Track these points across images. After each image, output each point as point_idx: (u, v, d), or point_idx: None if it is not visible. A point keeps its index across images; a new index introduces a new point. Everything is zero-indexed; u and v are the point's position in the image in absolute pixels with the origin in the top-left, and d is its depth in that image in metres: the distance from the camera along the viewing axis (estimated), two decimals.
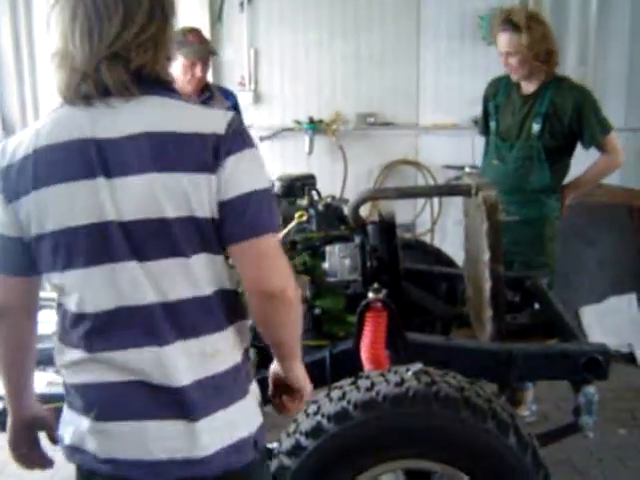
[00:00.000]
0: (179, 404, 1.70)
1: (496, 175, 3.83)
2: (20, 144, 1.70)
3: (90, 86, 1.64)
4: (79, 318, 1.73)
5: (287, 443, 2.39)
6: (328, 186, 3.81)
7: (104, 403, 1.73)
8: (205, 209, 1.64)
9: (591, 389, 2.73)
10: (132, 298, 1.68)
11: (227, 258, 1.75)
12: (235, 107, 4.61)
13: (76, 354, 1.75)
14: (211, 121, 1.69)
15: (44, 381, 3.21)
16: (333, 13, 6.24)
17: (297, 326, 1.83)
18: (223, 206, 1.65)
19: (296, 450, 2.36)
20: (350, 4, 6.22)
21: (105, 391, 1.73)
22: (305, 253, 3.13)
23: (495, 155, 4.06)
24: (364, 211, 3.21)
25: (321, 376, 2.74)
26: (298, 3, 6.25)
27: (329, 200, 3.41)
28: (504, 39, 3.88)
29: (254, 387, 1.88)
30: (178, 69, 4.29)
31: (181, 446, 1.70)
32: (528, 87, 3.98)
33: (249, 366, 1.87)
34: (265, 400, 2.83)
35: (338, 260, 3.02)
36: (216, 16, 6.25)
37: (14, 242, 1.74)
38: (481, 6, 6.08)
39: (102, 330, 1.71)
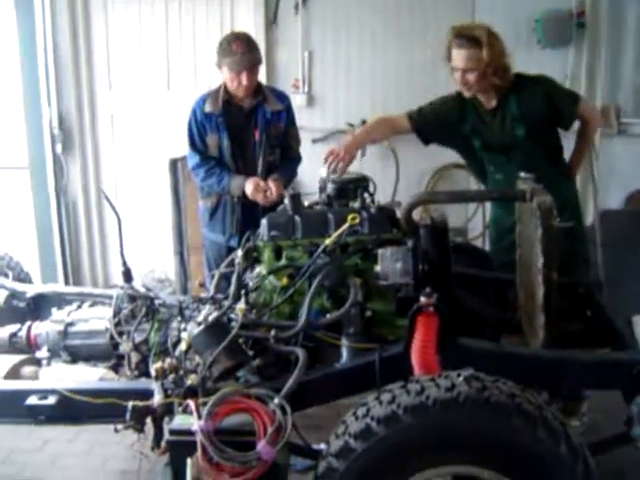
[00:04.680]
0: None
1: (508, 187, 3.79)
2: None
3: None
4: None
5: (336, 445, 2.40)
6: (380, 189, 3.79)
7: None
8: None
9: None
10: None
11: None
12: (288, 109, 4.64)
13: None
14: None
15: (96, 376, 3.27)
16: (387, 16, 6.24)
17: None
18: None
19: (345, 452, 2.36)
20: (404, 8, 6.22)
21: None
22: (357, 256, 3.14)
23: (495, 170, 4.03)
24: (416, 214, 3.20)
25: (371, 379, 2.74)
26: (352, 6, 6.26)
27: (382, 203, 3.41)
28: (463, 55, 3.78)
29: None
30: (226, 77, 4.35)
31: None
32: (489, 101, 3.94)
33: None
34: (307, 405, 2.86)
35: (390, 263, 3.01)
36: (271, 18, 6.29)
37: None
38: (536, 10, 6.04)
39: None
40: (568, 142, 4.14)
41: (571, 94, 4.07)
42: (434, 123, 4.05)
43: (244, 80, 4.30)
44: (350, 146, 3.83)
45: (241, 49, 4.28)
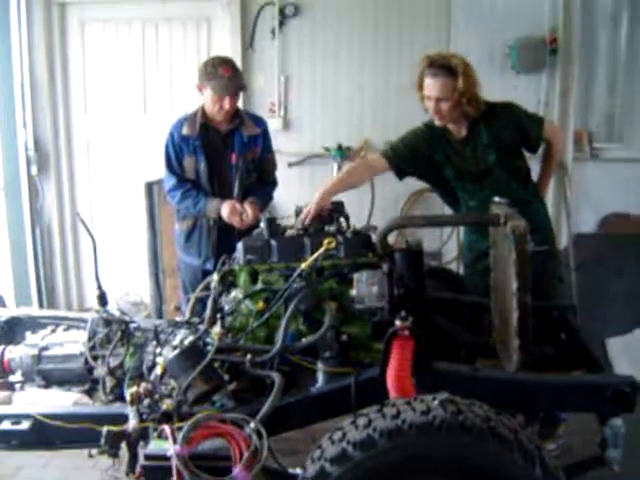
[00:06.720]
0: None
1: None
2: None
3: None
4: None
5: (311, 469, 2.38)
6: (355, 213, 3.81)
7: None
8: None
9: (618, 422, 2.71)
10: None
11: None
12: (265, 134, 4.66)
13: None
14: None
15: (70, 401, 3.24)
16: (363, 41, 6.29)
17: None
18: None
19: (321, 477, 2.35)
20: (381, 32, 6.27)
21: None
22: (332, 280, 3.14)
23: (468, 198, 4.06)
24: (391, 238, 3.21)
25: (346, 403, 2.74)
26: (329, 31, 6.30)
27: (357, 227, 3.42)
28: (438, 84, 3.78)
29: None
30: (208, 99, 4.36)
31: None
32: (460, 130, 3.97)
33: None
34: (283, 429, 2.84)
35: (365, 287, 3.02)
36: (247, 43, 6.32)
37: None
38: (510, 36, 6.11)
39: None
40: (534, 164, 4.20)
41: (536, 118, 4.12)
42: (408, 157, 4.03)
43: (226, 104, 4.32)
44: (321, 200, 3.75)
45: (228, 74, 4.30)
